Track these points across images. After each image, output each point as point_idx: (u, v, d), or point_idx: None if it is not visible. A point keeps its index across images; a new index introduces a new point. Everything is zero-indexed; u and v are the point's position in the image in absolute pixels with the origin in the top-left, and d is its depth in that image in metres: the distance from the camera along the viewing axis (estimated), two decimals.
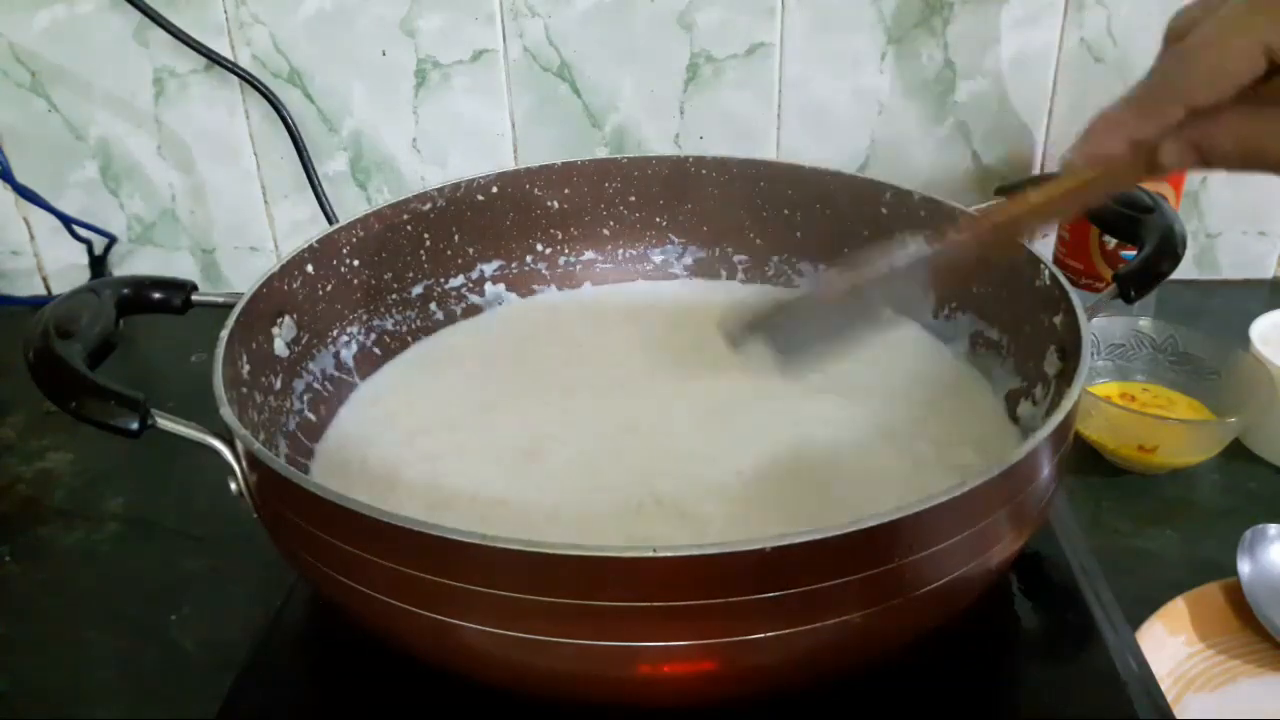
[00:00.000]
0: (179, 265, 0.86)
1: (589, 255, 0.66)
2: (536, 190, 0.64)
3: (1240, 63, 0.31)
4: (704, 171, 0.64)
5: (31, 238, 0.86)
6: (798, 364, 0.45)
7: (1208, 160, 0.33)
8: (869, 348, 0.59)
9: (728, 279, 0.67)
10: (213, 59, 0.77)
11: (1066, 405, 0.39)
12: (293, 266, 0.53)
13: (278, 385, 0.51)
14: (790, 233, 0.64)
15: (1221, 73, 0.32)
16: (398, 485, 0.50)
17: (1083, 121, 0.36)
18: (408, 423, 0.54)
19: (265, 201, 0.84)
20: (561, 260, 0.66)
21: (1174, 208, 0.67)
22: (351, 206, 0.83)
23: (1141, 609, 0.50)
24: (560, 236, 0.65)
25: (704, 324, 0.63)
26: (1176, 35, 0.34)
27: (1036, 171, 0.80)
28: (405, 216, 0.60)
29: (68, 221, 0.83)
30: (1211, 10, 0.33)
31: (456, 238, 0.62)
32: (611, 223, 0.66)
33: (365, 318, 0.59)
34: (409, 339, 0.61)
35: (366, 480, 0.50)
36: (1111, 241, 0.72)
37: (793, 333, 0.45)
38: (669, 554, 0.32)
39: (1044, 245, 0.81)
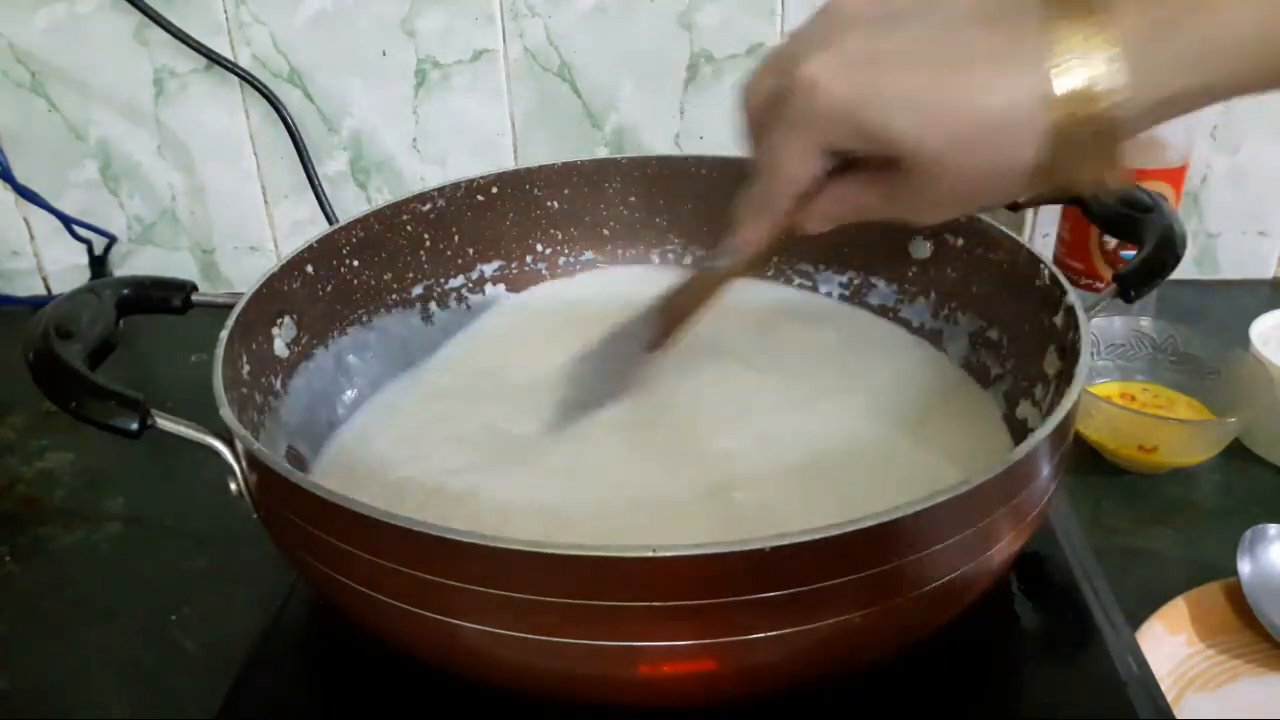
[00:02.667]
0: (179, 265, 0.86)
1: (589, 255, 0.66)
2: (536, 190, 0.64)
3: (804, 171, 0.37)
4: (704, 171, 0.64)
5: (31, 238, 0.86)
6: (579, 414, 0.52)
7: (840, 222, 0.40)
8: (867, 349, 0.59)
9: None
10: (213, 59, 0.77)
11: (1066, 405, 0.39)
12: (293, 266, 0.53)
13: (278, 385, 0.51)
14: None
15: (794, 183, 0.38)
16: (396, 484, 0.49)
17: None
18: (407, 421, 0.54)
19: (265, 201, 0.84)
20: (561, 260, 0.66)
21: (1174, 207, 0.67)
22: (351, 206, 0.83)
23: (1141, 609, 0.50)
24: (560, 236, 0.65)
25: (703, 324, 0.63)
26: (755, 118, 0.39)
27: None
28: (405, 216, 0.60)
29: (68, 221, 0.83)
30: (771, 103, 0.37)
31: (456, 238, 0.62)
32: (611, 223, 0.66)
33: (365, 318, 0.59)
34: (408, 338, 0.61)
35: (366, 479, 0.50)
36: (1111, 241, 0.72)
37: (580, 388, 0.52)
38: (669, 554, 0.32)
39: (1044, 245, 0.81)
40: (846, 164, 0.38)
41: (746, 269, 0.45)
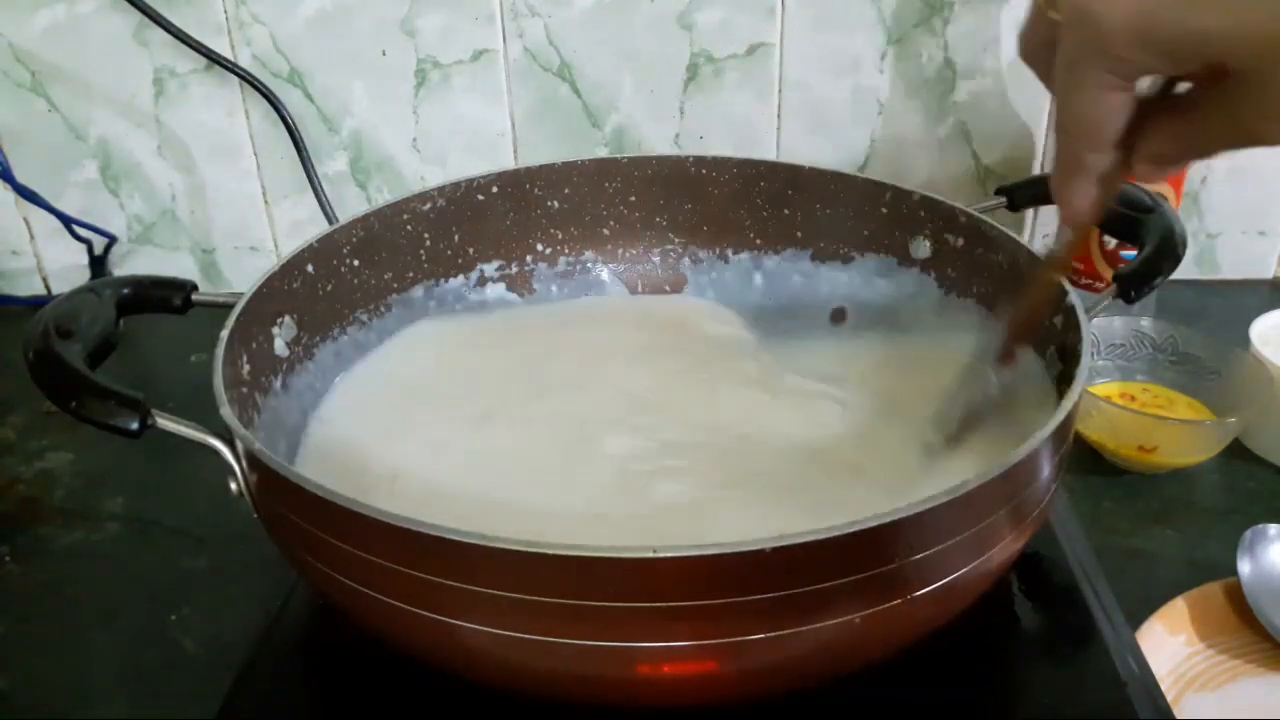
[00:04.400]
0: (179, 265, 0.86)
1: (589, 255, 0.66)
2: (536, 190, 0.64)
3: (1104, 112, 0.33)
4: (704, 171, 0.64)
5: (31, 238, 0.86)
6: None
7: (1173, 163, 0.35)
8: (867, 351, 0.59)
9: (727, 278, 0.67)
10: (213, 59, 0.77)
11: (1066, 405, 0.39)
12: (293, 266, 0.53)
13: (278, 385, 0.51)
14: (790, 232, 0.64)
15: (1098, 129, 0.33)
16: (395, 484, 0.49)
17: None
18: (406, 420, 0.54)
19: (265, 201, 0.84)
20: (561, 260, 0.66)
21: (1174, 208, 0.67)
22: (351, 206, 0.83)
23: (1141, 609, 0.50)
24: (560, 236, 0.65)
25: (703, 323, 0.63)
26: (1041, 69, 0.35)
27: (1037, 171, 0.80)
28: (405, 216, 0.60)
29: (68, 221, 0.83)
30: (1050, 46, 0.33)
31: (456, 238, 0.62)
32: (611, 223, 0.66)
33: (365, 318, 0.59)
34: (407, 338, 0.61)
35: (366, 479, 0.50)
36: (1111, 241, 0.72)
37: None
38: (669, 554, 0.32)
39: (1044, 245, 0.81)
40: (1163, 96, 0.33)
41: (1077, 249, 0.42)
